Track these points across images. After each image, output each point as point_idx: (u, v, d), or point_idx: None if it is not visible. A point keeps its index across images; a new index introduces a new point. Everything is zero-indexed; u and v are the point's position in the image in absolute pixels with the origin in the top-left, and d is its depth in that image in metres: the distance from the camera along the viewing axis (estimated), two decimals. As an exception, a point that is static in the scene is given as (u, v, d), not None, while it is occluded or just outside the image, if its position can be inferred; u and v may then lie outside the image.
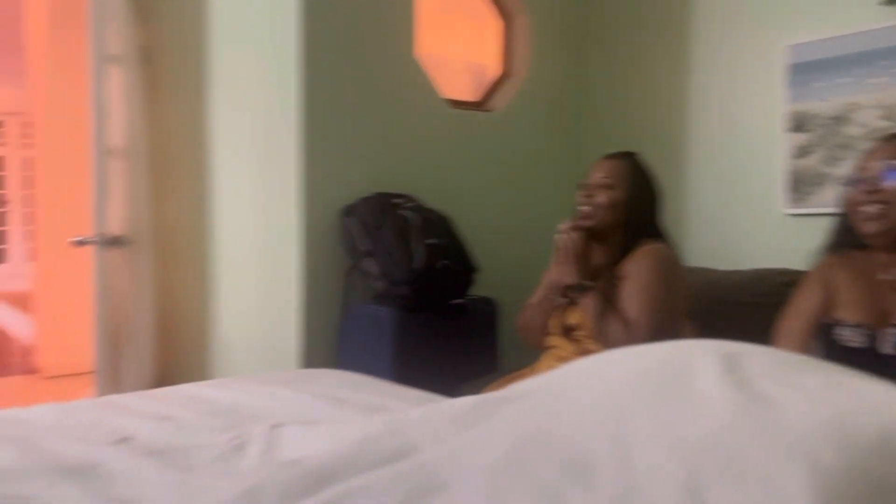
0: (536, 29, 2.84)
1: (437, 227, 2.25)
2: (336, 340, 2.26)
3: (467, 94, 2.86)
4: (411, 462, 0.81)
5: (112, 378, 2.71)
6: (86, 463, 0.95)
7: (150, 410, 1.23)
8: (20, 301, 6.84)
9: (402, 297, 2.12)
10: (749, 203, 2.44)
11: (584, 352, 1.60)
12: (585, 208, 1.75)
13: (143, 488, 0.88)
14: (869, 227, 1.35)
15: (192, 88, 2.72)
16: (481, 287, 2.32)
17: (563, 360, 1.60)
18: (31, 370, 4.60)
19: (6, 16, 4.89)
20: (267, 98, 2.36)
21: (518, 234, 2.71)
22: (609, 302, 1.62)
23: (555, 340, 1.76)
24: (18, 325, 6.13)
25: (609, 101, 2.88)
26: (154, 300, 2.79)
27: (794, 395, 0.76)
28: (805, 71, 2.27)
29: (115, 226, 2.69)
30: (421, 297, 2.14)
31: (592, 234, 1.74)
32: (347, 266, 2.26)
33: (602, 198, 1.73)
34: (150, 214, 2.79)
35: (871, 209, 1.34)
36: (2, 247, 10.14)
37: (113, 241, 2.67)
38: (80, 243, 2.66)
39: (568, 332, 1.72)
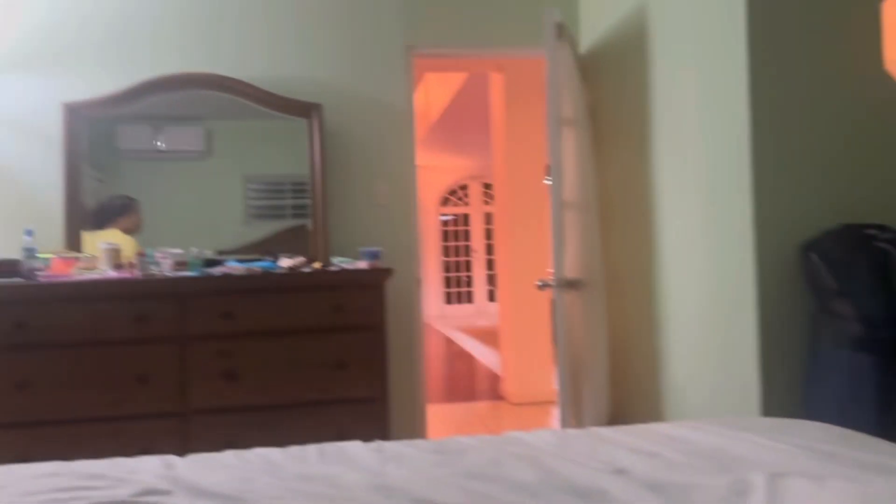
0: None
1: (926, 261, 1.93)
2: (802, 388, 2.10)
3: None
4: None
5: (573, 410, 2.96)
6: (594, 488, 1.07)
7: (636, 445, 1.31)
8: (486, 335, 7.97)
9: (886, 343, 1.86)
10: None
11: None
12: None
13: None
14: None
15: (635, 140, 2.87)
16: None
17: None
18: (498, 397, 5.30)
19: (479, 100, 5.88)
20: (712, 136, 2.35)
21: None
22: None
23: None
24: (486, 357, 7.13)
25: None
26: (607, 339, 2.98)
27: None
28: None
29: (570, 270, 2.97)
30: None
31: None
32: (814, 308, 2.09)
33: None
34: (601, 259, 3.01)
35: None
36: (469, 289, 12.00)
37: (570, 284, 2.94)
38: (542, 286, 3.00)
39: None
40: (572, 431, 1.46)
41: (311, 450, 1.30)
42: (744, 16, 2.15)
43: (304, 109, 3.19)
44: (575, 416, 2.97)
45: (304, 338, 2.73)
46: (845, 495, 0.88)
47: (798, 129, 2.17)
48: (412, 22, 3.39)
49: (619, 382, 3.03)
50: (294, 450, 1.30)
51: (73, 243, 3.01)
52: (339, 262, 2.96)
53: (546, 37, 2.88)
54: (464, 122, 7.61)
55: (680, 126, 2.57)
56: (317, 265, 2.98)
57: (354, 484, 1.10)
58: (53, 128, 3.05)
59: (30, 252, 2.66)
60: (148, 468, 1.21)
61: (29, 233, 2.70)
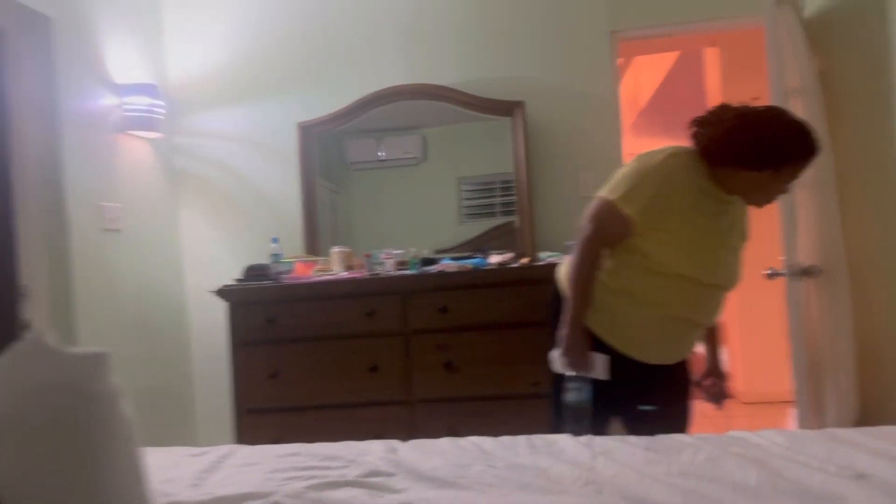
0: None
1: None
2: None
3: None
4: None
5: (813, 409, 2.68)
6: (828, 493, 0.97)
7: (879, 448, 1.16)
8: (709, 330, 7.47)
9: None
10: None
11: None
12: None
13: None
14: None
15: (877, 108, 2.52)
16: None
17: None
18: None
19: (692, 78, 5.57)
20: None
21: None
22: None
23: None
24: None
25: None
26: (852, 333, 2.65)
27: None
28: None
29: (805, 256, 2.69)
30: None
31: None
32: None
33: None
34: (841, 244, 2.69)
35: None
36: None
37: (805, 272, 2.66)
38: (772, 275, 2.75)
39: None
40: (804, 432, 1.33)
41: (521, 440, 1.32)
42: None
43: (507, 108, 3.24)
44: (815, 418, 2.69)
45: (514, 331, 2.78)
46: None
47: None
48: (615, 5, 3.30)
49: (870, 381, 2.68)
50: (505, 440, 1.33)
51: (312, 248, 3.35)
52: (547, 257, 2.97)
53: (765, 2, 2.64)
54: (677, 104, 7.20)
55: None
56: (524, 260, 3.01)
57: (564, 477, 1.11)
58: (289, 146, 3.43)
59: (276, 257, 3.02)
60: (375, 451, 1.31)
61: (275, 240, 3.06)
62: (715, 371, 2.06)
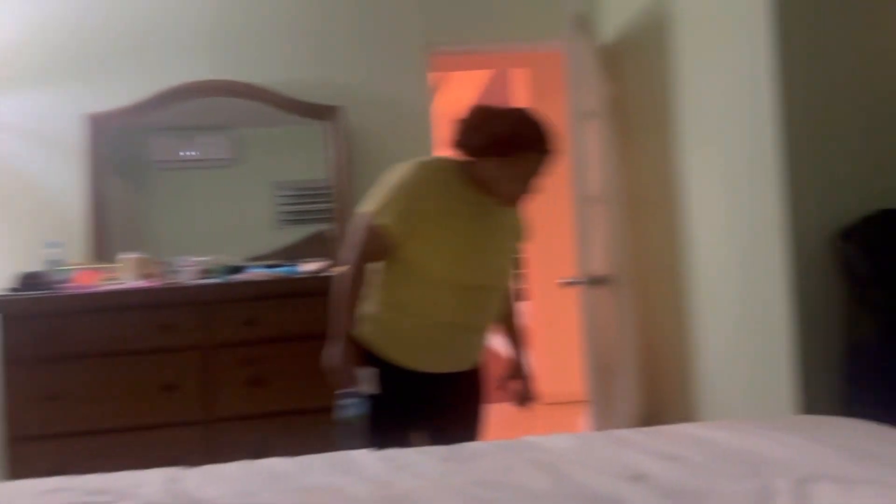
0: None
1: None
2: (839, 381, 2.00)
3: None
4: None
5: (604, 409, 2.89)
6: (609, 496, 1.02)
7: (659, 448, 1.25)
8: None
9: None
10: None
11: None
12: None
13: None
14: None
15: (661, 131, 2.78)
16: None
17: None
18: (531, 397, 5.22)
19: (501, 96, 5.81)
20: (740, 124, 2.26)
21: None
22: None
23: None
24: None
25: None
26: (637, 337, 2.89)
27: None
28: None
29: (597, 266, 2.90)
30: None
31: None
32: (851, 298, 1.98)
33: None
34: (628, 255, 2.92)
35: None
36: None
37: (596, 281, 2.87)
38: (567, 284, 2.93)
39: None
40: (593, 434, 1.41)
41: (319, 459, 1.26)
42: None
43: (324, 113, 3.17)
44: (605, 417, 2.90)
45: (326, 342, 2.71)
46: (878, 500, 0.81)
47: (830, 113, 2.06)
48: (431, 20, 3.36)
49: (651, 381, 2.94)
50: (303, 460, 1.27)
51: (100, 254, 3.04)
52: (361, 265, 2.93)
53: (564, 29, 2.82)
54: (490, 120, 7.51)
55: (706, 115, 2.48)
56: (338, 269, 2.95)
57: (360, 496, 1.07)
58: (77, 140, 3.09)
59: (54, 264, 2.69)
60: (153, 481, 1.19)
61: (53, 244, 2.73)
62: (519, 373, 2.09)
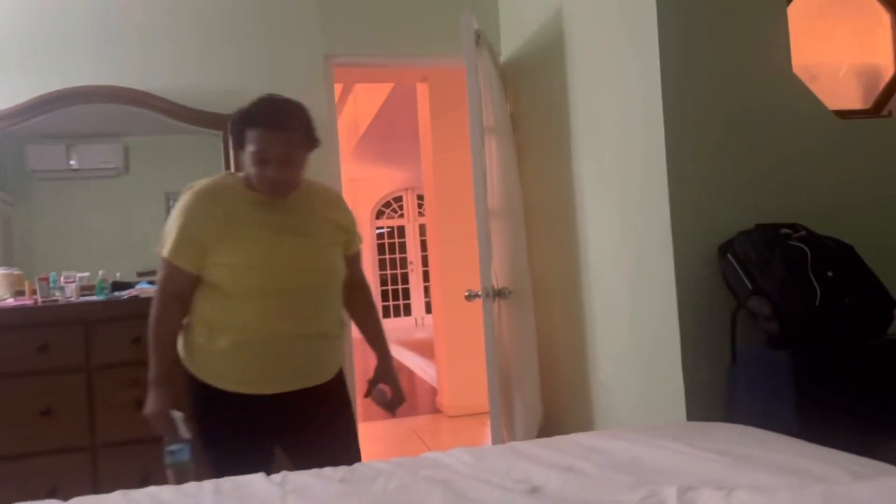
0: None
1: (837, 258, 1.97)
2: (725, 388, 2.10)
3: (857, 102, 2.50)
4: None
5: (505, 420, 2.91)
6: (504, 511, 1.02)
7: (553, 460, 1.27)
8: (425, 348, 7.90)
9: (801, 339, 1.89)
10: None
11: None
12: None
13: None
14: None
15: (556, 147, 2.86)
16: (903, 324, 1.96)
17: None
18: (436, 410, 5.23)
19: (408, 112, 5.83)
20: (628, 140, 2.36)
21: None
22: None
23: None
24: (425, 370, 7.05)
25: None
26: (537, 348, 2.94)
27: None
28: None
29: (498, 279, 2.93)
30: (824, 339, 1.88)
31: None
32: (733, 307, 2.10)
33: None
34: (528, 268, 2.98)
35: None
36: (405, 302, 11.90)
37: (497, 294, 2.90)
38: (470, 297, 2.95)
39: None
40: (490, 448, 1.41)
41: (207, 486, 1.20)
42: (654, 21, 2.16)
43: (218, 121, 3.06)
44: (507, 428, 2.93)
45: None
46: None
47: (710, 133, 2.18)
48: (330, 30, 3.32)
49: (551, 392, 3.01)
50: (189, 487, 1.20)
51: (-31, 270, 2.80)
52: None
53: (464, 44, 2.85)
54: (393, 133, 7.55)
55: (597, 132, 2.58)
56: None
57: (249, 522, 1.02)
58: (-58, 147, 2.85)
59: (-84, 281, 2.46)
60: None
61: (-86, 261, 2.50)
62: (384, 377, 1.99)
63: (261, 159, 1.71)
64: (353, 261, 1.97)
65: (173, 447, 1.66)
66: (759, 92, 2.22)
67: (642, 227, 2.30)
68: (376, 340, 2.03)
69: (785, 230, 2.05)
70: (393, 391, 1.98)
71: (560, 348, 2.96)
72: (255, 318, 1.72)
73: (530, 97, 3.15)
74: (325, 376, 1.86)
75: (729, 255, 2.08)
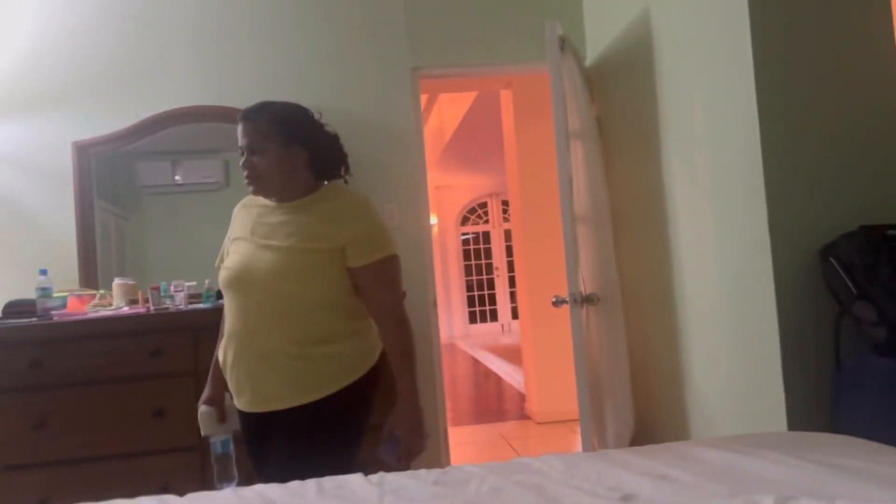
0: None
1: (952, 260, 1.85)
2: (829, 397, 2.01)
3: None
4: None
5: (595, 428, 2.89)
6: (598, 517, 1.02)
7: (646, 467, 1.26)
8: (511, 354, 7.89)
9: (913, 347, 1.79)
10: None
11: None
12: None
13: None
14: None
15: (645, 150, 2.82)
16: None
17: None
18: (524, 416, 5.23)
19: (492, 118, 5.87)
20: (721, 140, 2.30)
21: None
22: None
23: None
24: (512, 376, 7.05)
25: None
26: (628, 355, 2.90)
27: None
28: None
29: (586, 285, 2.91)
30: (937, 346, 1.78)
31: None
32: (836, 313, 2.01)
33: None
34: (616, 273, 2.94)
35: None
36: (493, 307, 11.92)
37: (585, 300, 2.88)
38: (558, 302, 2.94)
39: None
40: (583, 455, 1.41)
41: (310, 485, 1.26)
42: (747, 19, 2.10)
43: (311, 136, 3.18)
44: (597, 436, 2.90)
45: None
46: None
47: (810, 132, 2.10)
48: (417, 43, 3.40)
49: (643, 399, 2.95)
50: (294, 486, 1.27)
51: (89, 280, 3.03)
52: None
53: (548, 50, 2.85)
54: (477, 140, 7.61)
55: (690, 134, 2.52)
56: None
57: (350, 520, 1.07)
58: (65, 167, 3.10)
59: (44, 291, 2.69)
60: (144, 510, 1.18)
61: (43, 272, 2.73)
62: (397, 420, 1.71)
63: (240, 154, 1.78)
64: (358, 278, 1.74)
65: (212, 440, 1.81)
66: (860, 86, 2.12)
67: (738, 231, 2.24)
68: (397, 379, 1.74)
69: (891, 232, 1.95)
70: (405, 440, 1.69)
71: (651, 355, 2.90)
72: (227, 329, 1.79)
73: (617, 100, 3.12)
74: (273, 402, 1.69)
75: (831, 259, 1.99)
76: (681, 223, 2.61)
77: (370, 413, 1.79)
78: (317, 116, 1.91)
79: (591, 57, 3.38)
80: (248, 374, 1.72)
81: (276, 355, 1.68)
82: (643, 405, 2.95)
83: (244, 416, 1.80)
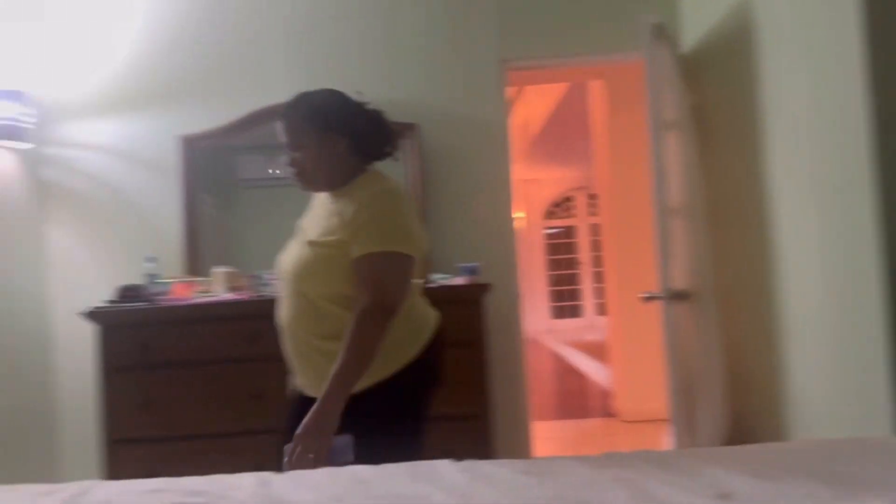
0: None
1: None
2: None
3: None
4: None
5: (687, 427, 2.81)
6: (694, 514, 1.00)
7: (745, 467, 1.21)
8: (596, 350, 7.77)
9: None
10: None
11: None
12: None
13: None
14: None
15: (745, 141, 2.71)
16: None
17: None
18: (609, 414, 5.14)
19: (577, 109, 5.79)
20: (827, 130, 2.18)
21: None
22: None
23: None
24: (597, 372, 6.94)
25: None
26: (722, 354, 2.81)
27: None
28: None
29: (678, 281, 2.83)
30: None
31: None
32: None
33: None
34: (711, 268, 2.85)
35: None
36: (578, 303, 11.77)
37: (677, 296, 2.80)
38: (648, 298, 2.88)
39: None
40: (675, 451, 1.38)
41: (403, 468, 1.29)
42: (858, 3, 1.98)
43: (401, 130, 3.23)
44: (689, 434, 2.82)
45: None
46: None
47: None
48: (506, 35, 3.39)
49: (738, 398, 2.85)
50: (388, 467, 1.30)
51: (193, 268, 3.20)
52: (438, 279, 2.98)
53: (643, 39, 2.79)
54: (566, 133, 7.51)
55: (793, 123, 2.41)
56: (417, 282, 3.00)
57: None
58: (171, 160, 3.28)
59: (152, 277, 2.85)
60: (245, 485, 1.24)
61: (151, 259, 2.90)
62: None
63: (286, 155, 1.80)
64: (356, 269, 1.66)
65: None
66: None
67: (843, 223, 2.12)
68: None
69: None
70: (294, 441, 1.60)
71: (747, 353, 2.80)
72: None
73: (715, 88, 3.01)
74: (315, 392, 1.64)
75: (950, 255, 1.86)
76: (783, 217, 2.50)
77: (419, 402, 1.76)
78: (355, 96, 1.86)
79: (688, 44, 3.27)
80: (294, 362, 1.80)
81: (305, 349, 1.72)
82: (738, 405, 2.85)
83: (297, 397, 1.83)
